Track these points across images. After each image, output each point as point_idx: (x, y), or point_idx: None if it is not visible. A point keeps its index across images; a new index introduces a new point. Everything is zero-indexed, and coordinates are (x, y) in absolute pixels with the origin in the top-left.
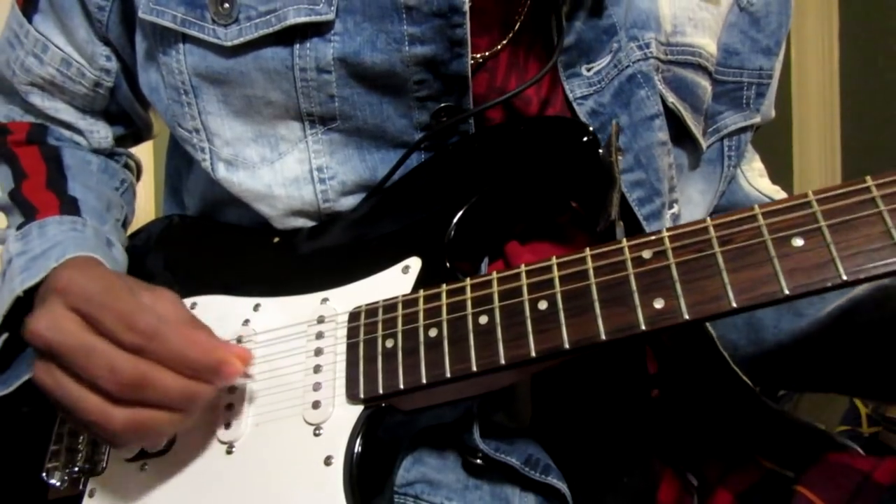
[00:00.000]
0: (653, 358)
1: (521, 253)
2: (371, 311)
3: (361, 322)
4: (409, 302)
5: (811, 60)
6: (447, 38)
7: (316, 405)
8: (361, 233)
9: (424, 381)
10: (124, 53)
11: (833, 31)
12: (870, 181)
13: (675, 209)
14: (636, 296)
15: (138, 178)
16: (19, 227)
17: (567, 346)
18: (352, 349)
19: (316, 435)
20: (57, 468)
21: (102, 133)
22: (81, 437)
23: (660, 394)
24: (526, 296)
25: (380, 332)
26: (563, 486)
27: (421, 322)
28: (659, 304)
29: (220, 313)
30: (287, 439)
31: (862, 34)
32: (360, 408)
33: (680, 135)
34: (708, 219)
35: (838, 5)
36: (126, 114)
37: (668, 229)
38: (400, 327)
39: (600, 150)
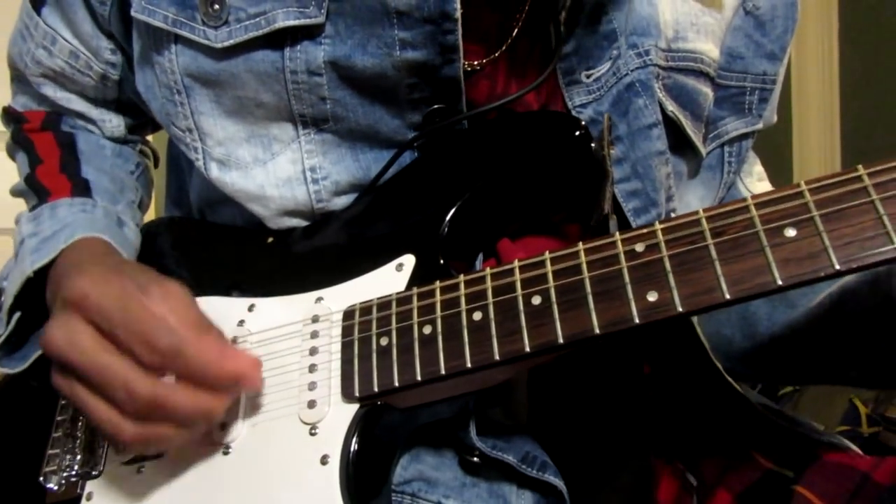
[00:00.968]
0: (646, 361)
1: (514, 249)
2: (365, 309)
3: (356, 320)
4: (403, 299)
5: (811, 60)
6: (438, 44)
7: (311, 404)
8: (355, 232)
9: (419, 378)
10: (126, 48)
11: (833, 31)
12: (861, 170)
13: None
14: (629, 289)
15: (156, 165)
16: (32, 209)
17: (561, 340)
18: (347, 348)
19: (312, 434)
20: (54, 472)
21: (115, 122)
22: (78, 441)
23: (655, 395)
24: (519, 291)
25: (374, 331)
26: (559, 484)
27: (415, 319)
28: (652, 296)
29: (215, 314)
30: (283, 439)
31: (862, 34)
32: (355, 406)
33: (679, 143)
34: (700, 211)
35: (838, 5)
36: (136, 105)
37: (661, 222)
38: (394, 325)
39: (592, 144)
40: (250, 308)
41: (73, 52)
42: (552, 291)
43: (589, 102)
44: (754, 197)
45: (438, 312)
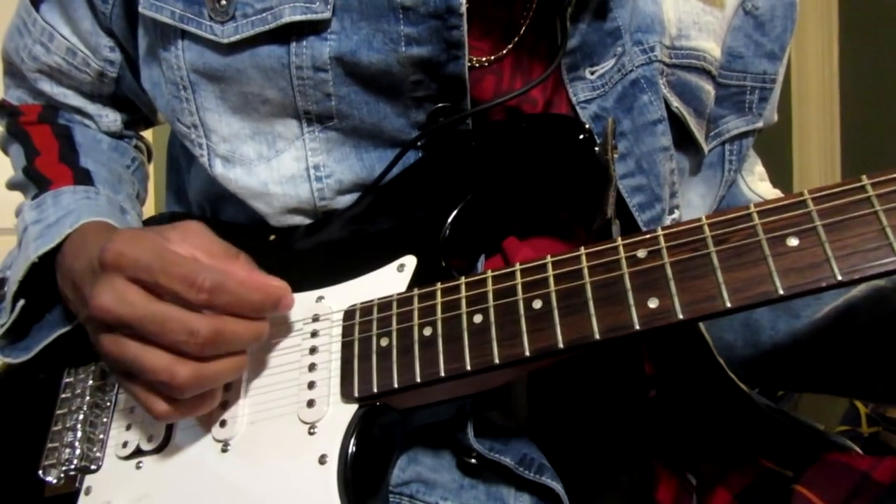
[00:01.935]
0: (649, 360)
1: (519, 249)
2: (366, 309)
3: (356, 321)
4: (404, 300)
5: (811, 60)
6: (443, 39)
7: (311, 404)
8: (357, 231)
9: (419, 379)
10: (128, 46)
11: (833, 31)
12: (865, 180)
13: (676, 214)
14: (630, 295)
15: (149, 161)
16: (34, 198)
17: (561, 345)
18: (346, 348)
19: (310, 434)
20: (53, 466)
21: (111, 118)
22: (78, 435)
23: (657, 394)
24: (521, 294)
25: (374, 331)
26: (557, 486)
27: (416, 321)
28: (653, 303)
29: None
30: (282, 438)
31: (862, 34)
32: (354, 406)
33: (682, 139)
34: (703, 218)
35: (838, 5)
36: (132, 101)
37: (663, 228)
38: (395, 326)
39: (596, 148)
40: None
41: (70, 48)
42: (553, 296)
43: (593, 98)
44: (757, 205)
45: (439, 314)
